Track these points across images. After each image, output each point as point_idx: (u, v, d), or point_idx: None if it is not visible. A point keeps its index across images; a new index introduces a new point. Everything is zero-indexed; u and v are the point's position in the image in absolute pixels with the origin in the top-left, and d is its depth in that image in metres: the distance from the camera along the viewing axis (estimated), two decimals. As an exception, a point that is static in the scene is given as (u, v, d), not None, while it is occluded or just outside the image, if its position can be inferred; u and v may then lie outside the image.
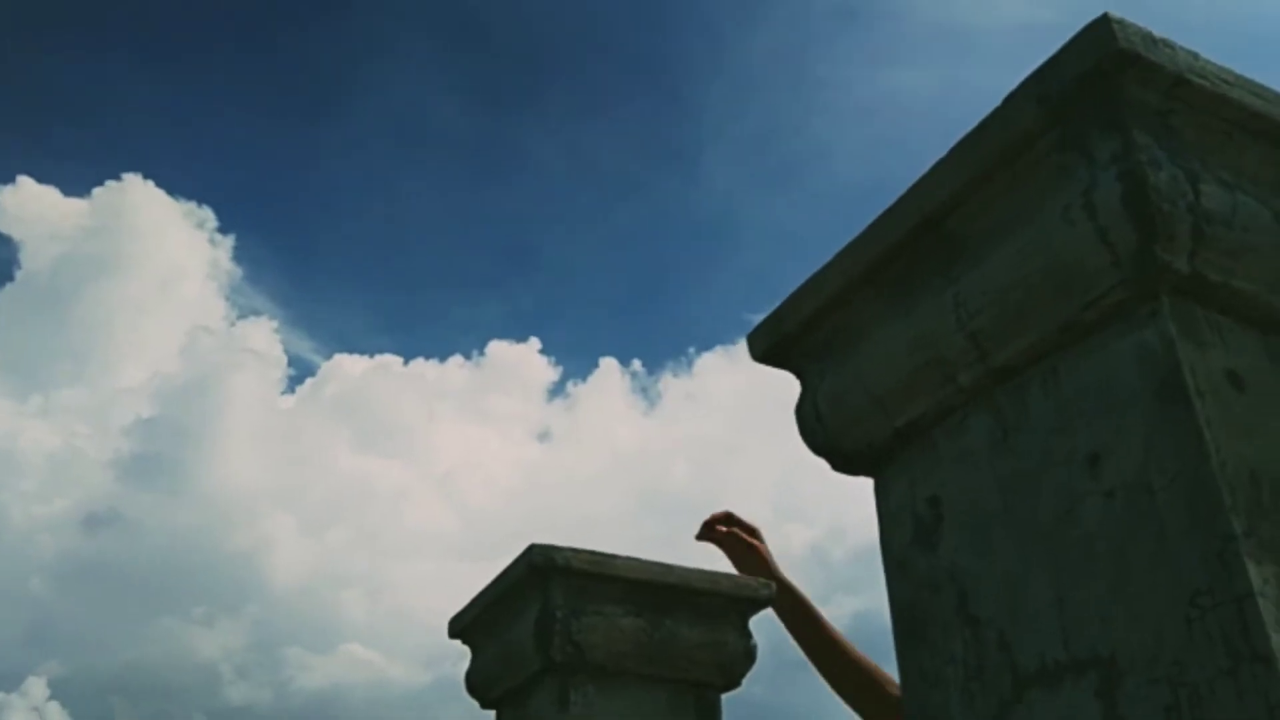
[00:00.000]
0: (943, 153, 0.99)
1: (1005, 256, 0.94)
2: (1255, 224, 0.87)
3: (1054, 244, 0.89)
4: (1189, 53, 0.87)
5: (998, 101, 0.93)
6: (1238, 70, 0.89)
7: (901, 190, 1.04)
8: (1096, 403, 0.89)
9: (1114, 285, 0.86)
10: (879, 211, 1.08)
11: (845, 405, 1.13)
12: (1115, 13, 0.84)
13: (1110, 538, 0.85)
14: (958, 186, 0.98)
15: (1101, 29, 0.83)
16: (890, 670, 1.88)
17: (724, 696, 1.99)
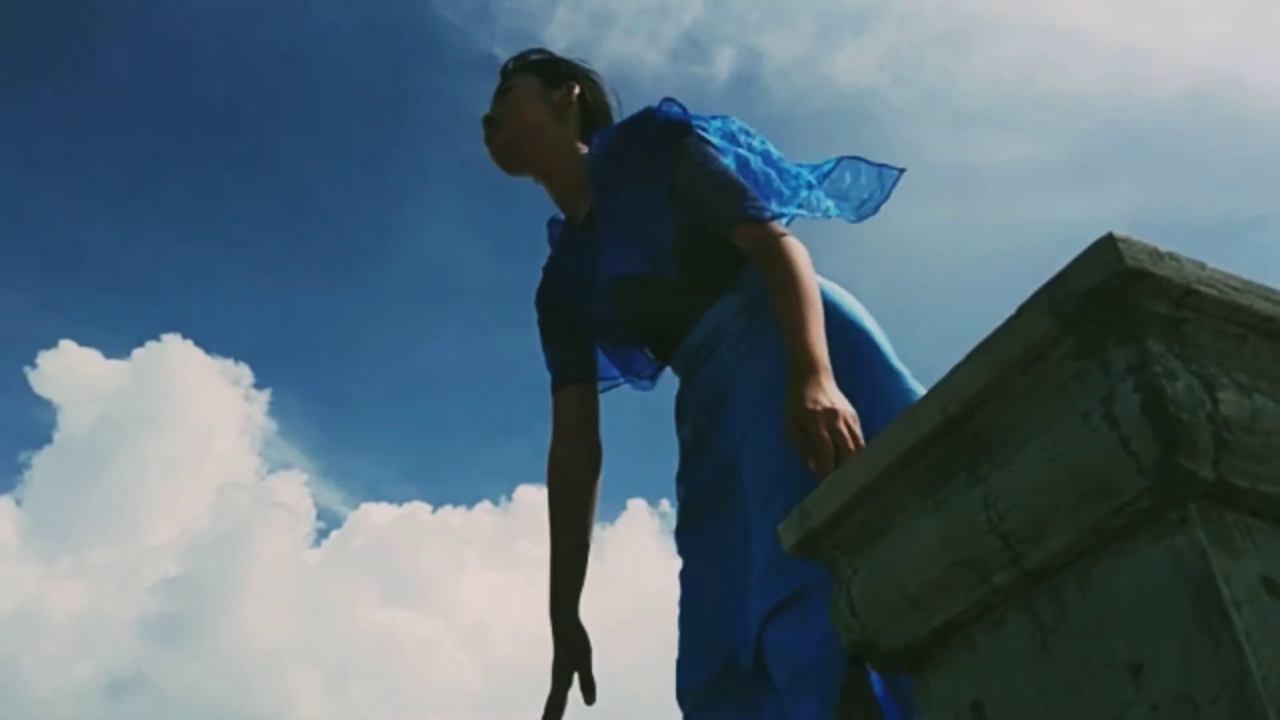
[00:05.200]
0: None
1: (1030, 458, 0.95)
2: (1277, 427, 0.88)
3: (1077, 449, 0.90)
4: (1195, 263, 0.89)
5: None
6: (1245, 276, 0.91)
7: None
8: (1133, 610, 0.88)
9: (1141, 492, 0.86)
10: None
11: (880, 603, 1.12)
12: (1119, 231, 0.86)
13: (1159, 752, 0.83)
14: (978, 388, 0.99)
15: (1107, 249, 0.86)
16: None
17: None
